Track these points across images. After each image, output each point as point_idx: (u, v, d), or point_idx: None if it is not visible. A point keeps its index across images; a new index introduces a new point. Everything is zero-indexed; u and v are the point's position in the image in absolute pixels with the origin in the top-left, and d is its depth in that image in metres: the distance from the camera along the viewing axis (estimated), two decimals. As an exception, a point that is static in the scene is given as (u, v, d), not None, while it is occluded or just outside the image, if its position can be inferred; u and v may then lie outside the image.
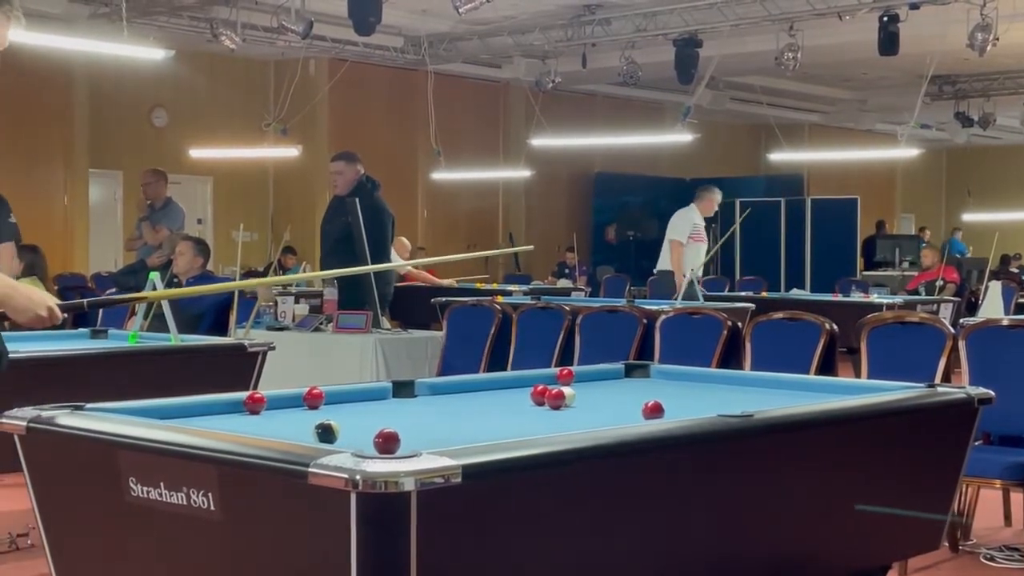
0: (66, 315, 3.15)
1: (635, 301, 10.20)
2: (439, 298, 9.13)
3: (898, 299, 11.32)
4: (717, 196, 10.48)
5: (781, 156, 18.75)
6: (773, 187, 20.65)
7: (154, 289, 5.54)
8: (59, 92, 14.21)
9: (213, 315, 7.06)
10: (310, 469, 2.24)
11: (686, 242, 10.18)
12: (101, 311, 7.28)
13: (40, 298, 3.03)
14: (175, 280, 7.22)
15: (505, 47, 14.81)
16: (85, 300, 3.30)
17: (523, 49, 14.74)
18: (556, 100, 16.56)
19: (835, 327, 5.56)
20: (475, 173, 16.67)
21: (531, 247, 4.62)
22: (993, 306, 9.64)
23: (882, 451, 3.35)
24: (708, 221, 17.59)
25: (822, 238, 18.65)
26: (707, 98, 16.28)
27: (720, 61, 14.51)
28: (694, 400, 3.60)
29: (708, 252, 10.84)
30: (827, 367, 5.46)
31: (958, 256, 19.00)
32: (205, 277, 7.36)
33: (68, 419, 2.82)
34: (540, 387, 3.53)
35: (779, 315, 5.82)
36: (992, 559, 4.99)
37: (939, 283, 11.93)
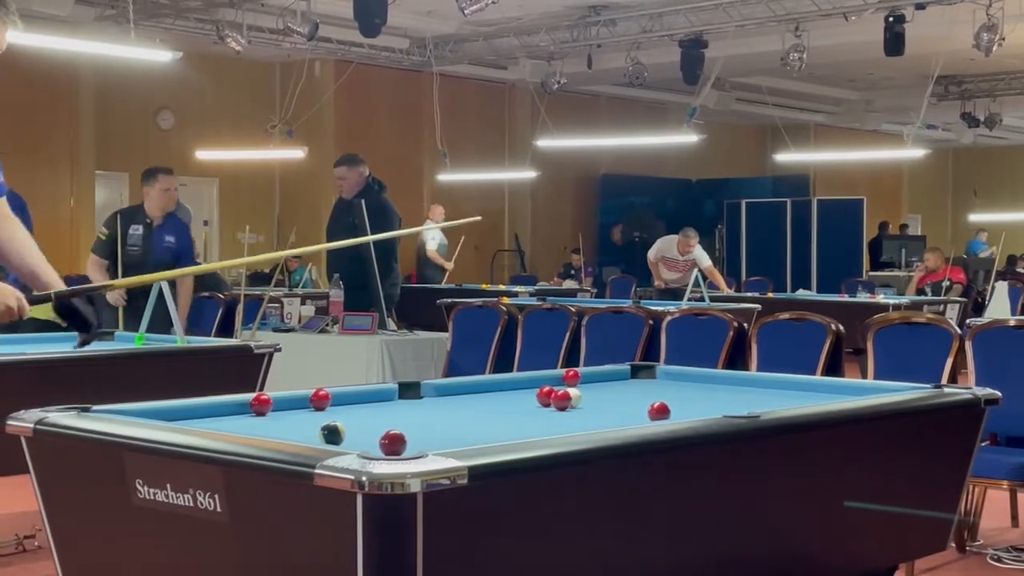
0: (32, 307, 3.17)
1: (641, 302, 10.23)
2: (445, 299, 9.14)
3: (904, 299, 11.31)
4: (689, 240, 11.85)
5: (787, 157, 18.74)
6: (779, 188, 20.65)
7: (159, 294, 5.55)
8: (65, 94, 14.23)
9: (190, 259, 7.20)
10: (316, 470, 2.24)
11: (656, 261, 12.20)
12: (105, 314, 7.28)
13: (9, 290, 3.06)
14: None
15: (510, 48, 14.80)
16: (52, 291, 3.35)
17: (528, 50, 14.74)
18: (562, 101, 16.55)
19: (841, 328, 5.55)
20: (481, 174, 16.67)
21: (479, 218, 4.59)
22: (1000, 306, 9.61)
23: (889, 452, 3.34)
24: (712, 223, 18.14)
25: (828, 239, 18.64)
26: (713, 99, 16.27)
27: (726, 62, 14.50)
28: (700, 401, 3.60)
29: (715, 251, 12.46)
30: (833, 368, 5.46)
31: (972, 256, 18.98)
32: (175, 222, 7.36)
33: (74, 421, 2.83)
34: (546, 388, 3.53)
35: (785, 316, 5.82)
36: (999, 560, 4.99)
37: (946, 283, 11.91)
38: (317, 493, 2.24)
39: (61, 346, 5.35)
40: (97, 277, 6.98)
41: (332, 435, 2.69)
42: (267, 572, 2.46)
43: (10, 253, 3.37)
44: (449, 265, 14.17)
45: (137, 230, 7.07)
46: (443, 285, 13.52)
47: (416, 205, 16.56)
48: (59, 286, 3.26)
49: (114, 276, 6.90)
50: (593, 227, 19.31)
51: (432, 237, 14.37)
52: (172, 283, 6.89)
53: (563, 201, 19.05)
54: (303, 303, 8.52)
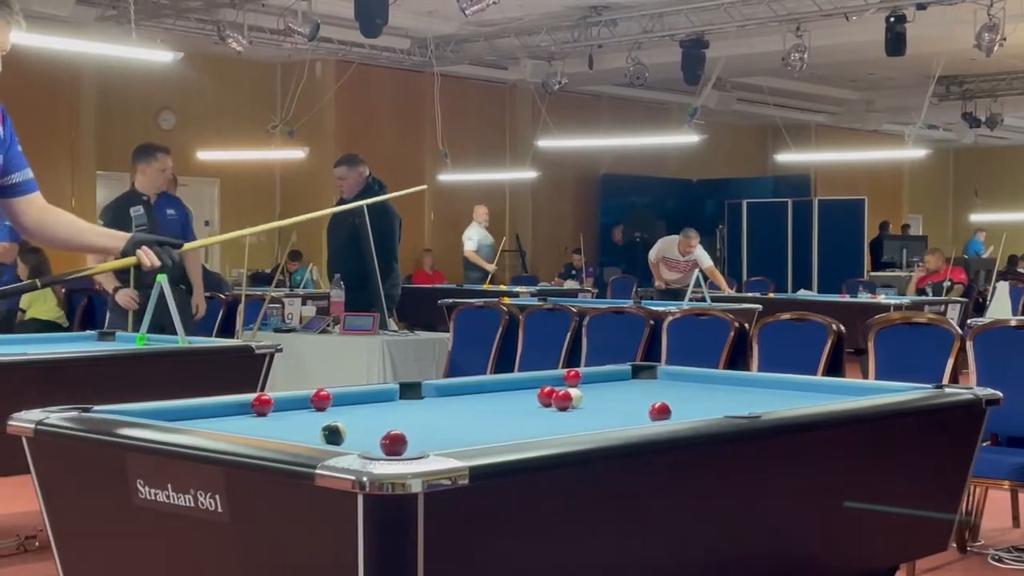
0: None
1: (642, 302, 10.24)
2: (446, 300, 9.14)
3: (905, 300, 11.32)
4: (690, 240, 11.92)
5: (788, 157, 18.75)
6: (780, 188, 20.65)
7: (160, 293, 5.54)
8: (66, 94, 14.23)
9: (191, 230, 7.15)
10: (317, 471, 2.24)
11: (657, 262, 12.24)
12: (108, 314, 7.27)
13: None
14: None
15: (511, 48, 14.81)
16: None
17: (529, 50, 14.74)
18: (562, 101, 16.55)
19: (842, 328, 5.55)
20: (481, 175, 16.67)
21: (424, 187, 4.56)
22: (1001, 307, 9.62)
23: (890, 452, 3.34)
24: (713, 223, 18.22)
25: (829, 239, 18.65)
26: (714, 99, 16.27)
27: (727, 62, 14.49)
28: (701, 401, 3.60)
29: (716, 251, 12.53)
30: (834, 368, 5.46)
31: (974, 257, 18.98)
32: (170, 197, 7.26)
33: (76, 421, 2.83)
34: (547, 388, 3.53)
35: (786, 316, 5.82)
36: (1000, 560, 4.99)
37: (947, 284, 11.92)
38: (318, 493, 2.24)
39: (62, 347, 5.36)
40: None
41: (333, 435, 2.69)
42: (268, 572, 2.46)
43: (65, 235, 3.45)
44: (491, 267, 14.02)
45: (138, 211, 6.96)
46: (482, 286, 13.29)
47: (417, 205, 16.56)
48: (125, 238, 3.35)
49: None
50: (594, 227, 19.31)
51: (469, 238, 14.29)
52: (179, 269, 6.79)
53: (564, 201, 19.05)
54: (304, 303, 8.51)
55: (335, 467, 2.23)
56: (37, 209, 3.40)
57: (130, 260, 3.29)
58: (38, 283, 3.38)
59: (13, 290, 3.25)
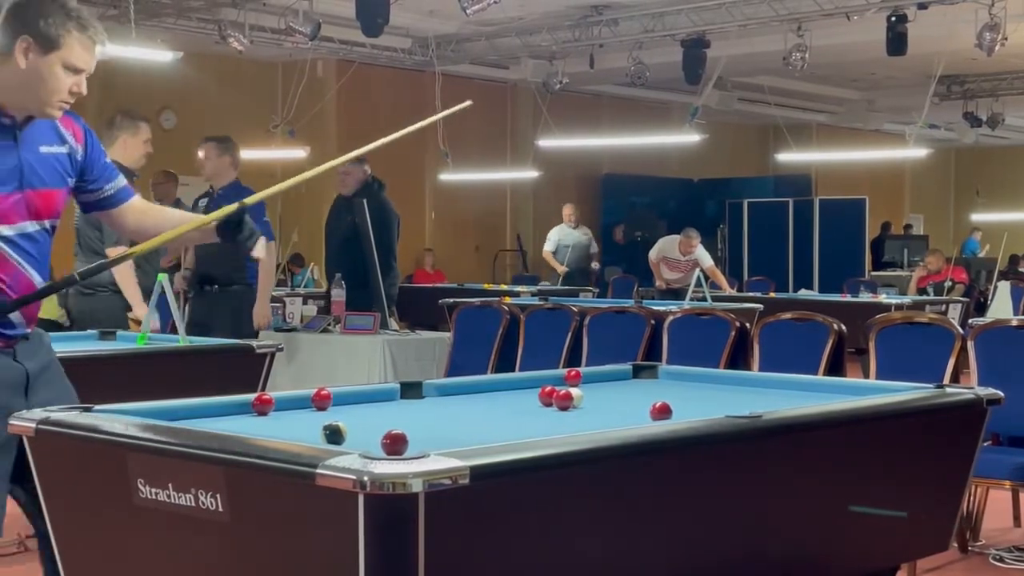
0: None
1: (643, 302, 10.24)
2: (447, 299, 9.15)
3: (907, 299, 11.32)
4: (691, 240, 12.10)
5: (789, 156, 18.73)
6: (781, 187, 20.64)
7: (162, 293, 5.54)
8: (67, 94, 14.23)
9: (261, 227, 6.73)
10: (318, 470, 2.24)
11: (657, 261, 12.49)
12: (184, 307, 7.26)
13: None
14: (186, 272, 7.13)
15: (512, 48, 14.80)
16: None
17: (530, 50, 14.74)
18: (563, 101, 16.55)
19: (843, 327, 5.55)
20: (482, 174, 16.67)
21: (469, 102, 4.39)
22: (1002, 306, 9.63)
23: (890, 452, 3.34)
24: (714, 223, 18.14)
25: (830, 238, 18.64)
26: (715, 98, 16.26)
27: (728, 61, 14.49)
28: (702, 401, 3.59)
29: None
30: (835, 368, 5.46)
31: (970, 256, 18.99)
32: (237, 188, 6.76)
33: (77, 420, 2.83)
34: (548, 388, 3.53)
35: (787, 315, 5.83)
36: (1001, 560, 4.99)
37: (948, 283, 11.92)
38: (319, 493, 2.24)
39: (62, 346, 5.35)
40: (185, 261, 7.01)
41: (334, 435, 2.69)
42: (268, 572, 2.46)
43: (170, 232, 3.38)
44: (561, 268, 13.92)
45: (203, 202, 6.87)
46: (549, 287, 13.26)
47: (417, 205, 16.56)
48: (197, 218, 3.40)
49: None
50: (595, 227, 19.27)
51: (548, 239, 14.36)
52: (229, 264, 6.62)
53: (565, 201, 18.99)
54: (305, 303, 8.51)
55: (336, 467, 2.23)
56: (137, 213, 3.39)
57: (149, 245, 3.34)
58: (76, 276, 3.37)
59: (54, 287, 3.22)
